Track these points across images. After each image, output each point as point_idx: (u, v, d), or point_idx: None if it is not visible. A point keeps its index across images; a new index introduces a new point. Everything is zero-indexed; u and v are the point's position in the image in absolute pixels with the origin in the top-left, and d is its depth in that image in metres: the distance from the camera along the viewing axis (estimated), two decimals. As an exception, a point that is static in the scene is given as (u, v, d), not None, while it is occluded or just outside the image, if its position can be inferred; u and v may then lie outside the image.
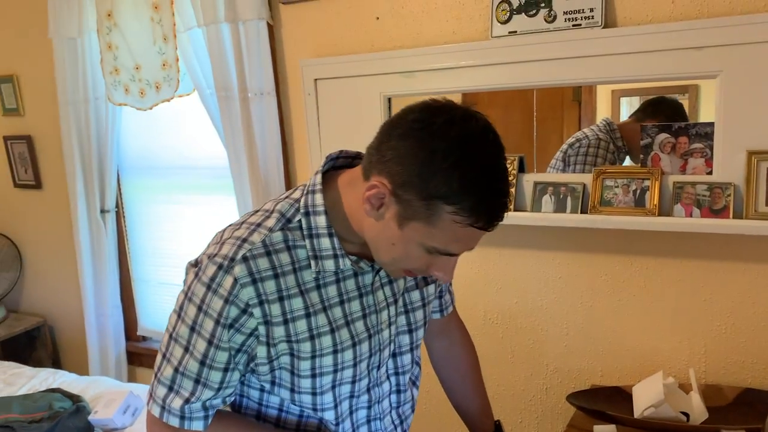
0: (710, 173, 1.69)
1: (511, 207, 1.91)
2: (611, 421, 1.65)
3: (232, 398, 1.03)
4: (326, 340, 0.97)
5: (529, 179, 1.92)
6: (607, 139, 1.91)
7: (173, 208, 2.80)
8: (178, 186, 2.76)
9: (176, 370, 0.96)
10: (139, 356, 3.00)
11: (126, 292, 2.98)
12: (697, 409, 1.63)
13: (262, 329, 0.93)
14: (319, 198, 0.96)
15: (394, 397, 1.13)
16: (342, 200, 0.97)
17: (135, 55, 2.46)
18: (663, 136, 1.75)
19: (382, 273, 1.03)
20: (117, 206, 2.88)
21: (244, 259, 0.92)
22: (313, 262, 0.95)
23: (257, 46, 2.21)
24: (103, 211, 2.82)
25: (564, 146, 1.96)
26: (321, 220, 0.95)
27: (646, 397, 1.67)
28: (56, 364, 3.25)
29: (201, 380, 0.95)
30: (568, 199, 1.84)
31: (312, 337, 0.96)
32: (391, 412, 1.13)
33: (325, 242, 0.95)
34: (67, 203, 2.91)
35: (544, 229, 1.94)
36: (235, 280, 0.91)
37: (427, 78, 1.96)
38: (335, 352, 0.98)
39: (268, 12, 2.20)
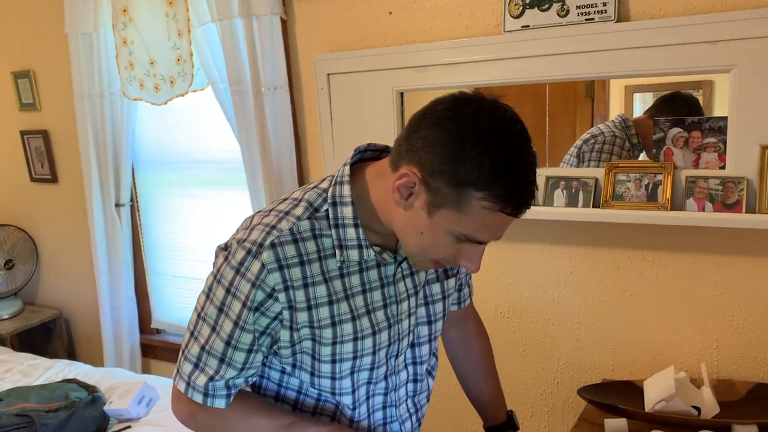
0: (723, 168, 1.68)
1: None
2: (622, 414, 1.65)
3: (254, 379, 1.05)
4: (347, 328, 0.99)
5: (541, 174, 1.92)
6: (622, 136, 1.91)
7: (187, 202, 2.82)
8: (192, 180, 2.78)
9: (203, 348, 0.99)
10: (153, 348, 3.04)
11: (140, 285, 3.01)
12: (708, 403, 1.63)
13: (286, 314, 0.96)
14: (346, 189, 0.98)
15: (411, 386, 1.14)
16: (369, 191, 0.98)
17: (150, 50, 2.48)
18: (676, 130, 1.75)
19: (404, 265, 1.05)
20: (131, 200, 2.91)
21: (272, 245, 0.94)
22: (338, 251, 0.97)
23: (271, 41, 2.22)
24: (117, 205, 2.85)
25: (578, 142, 1.96)
26: (348, 211, 0.97)
27: (658, 391, 1.67)
28: (71, 355, 3.29)
29: (225, 359, 0.98)
30: (580, 193, 1.84)
31: (334, 324, 0.98)
32: (407, 400, 1.15)
33: (351, 232, 0.97)
34: (82, 197, 2.95)
35: (555, 223, 1.94)
36: (263, 266, 0.93)
37: (439, 72, 1.96)
38: (355, 339, 1.00)
39: (282, 7, 2.21)
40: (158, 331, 3.08)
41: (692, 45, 1.63)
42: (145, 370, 3.06)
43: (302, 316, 0.97)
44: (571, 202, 1.85)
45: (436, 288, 1.12)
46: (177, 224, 2.89)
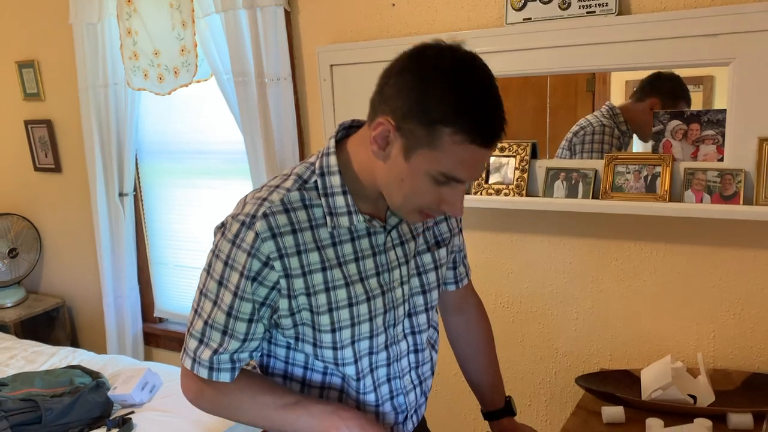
0: (721, 160, 1.70)
1: (519, 193, 1.94)
2: (619, 402, 1.67)
3: (258, 354, 1.08)
4: (341, 293, 1.03)
5: (541, 165, 1.94)
6: (611, 124, 1.93)
7: (190, 191, 2.85)
8: (195, 170, 2.80)
9: (206, 323, 1.03)
10: (155, 337, 3.07)
11: (143, 274, 3.04)
12: (704, 392, 1.65)
13: (283, 282, 1.00)
14: (333, 159, 1.03)
15: (412, 357, 1.17)
16: (353, 159, 1.03)
17: (154, 40, 2.50)
18: (675, 122, 1.77)
19: (393, 234, 1.09)
20: (135, 190, 2.94)
21: (264, 215, 0.98)
22: (328, 218, 1.02)
23: (274, 31, 2.24)
24: (121, 195, 2.87)
25: (569, 135, 1.98)
26: (335, 180, 1.02)
27: (654, 380, 1.70)
28: (74, 344, 3.32)
29: (228, 331, 1.02)
30: (580, 184, 1.86)
31: (328, 290, 1.02)
32: (410, 372, 1.17)
33: (340, 200, 1.02)
34: (86, 187, 2.97)
35: (555, 214, 1.96)
36: (257, 235, 0.97)
37: (441, 64, 1.97)
38: (351, 305, 1.04)
39: (286, -2, 2.23)
40: (161, 319, 3.11)
41: (692, 38, 1.65)
42: (148, 358, 3.09)
43: (298, 283, 1.00)
44: (571, 193, 1.87)
45: (427, 258, 1.14)
46: (180, 214, 2.91)
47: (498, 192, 1.98)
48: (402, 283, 1.11)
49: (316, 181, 1.03)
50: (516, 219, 2.05)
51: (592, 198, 1.84)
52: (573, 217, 1.95)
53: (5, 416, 1.95)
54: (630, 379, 1.82)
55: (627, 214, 1.81)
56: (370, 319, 1.07)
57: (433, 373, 1.24)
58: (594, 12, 1.77)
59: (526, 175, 1.94)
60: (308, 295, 1.01)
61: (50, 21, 2.94)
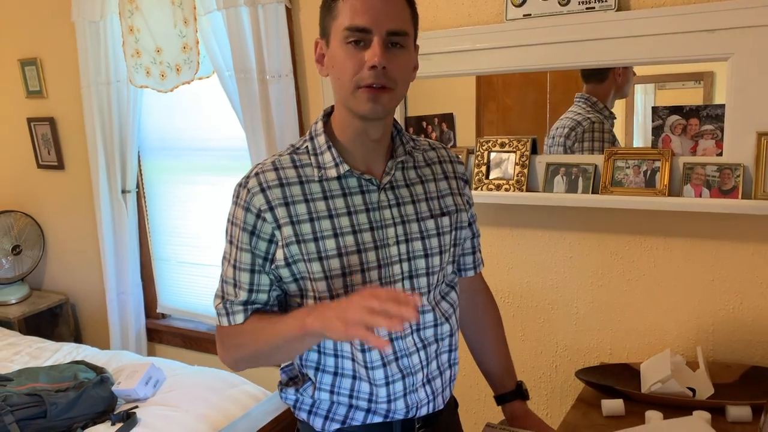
0: (720, 154, 1.71)
1: (520, 188, 1.95)
2: (619, 396, 1.69)
3: (269, 308, 1.17)
4: (330, 243, 1.11)
5: (541, 160, 1.95)
6: (598, 118, 1.94)
7: (193, 188, 2.86)
8: (198, 167, 2.82)
9: (223, 280, 1.17)
10: (158, 333, 3.08)
11: (146, 271, 3.05)
12: (703, 385, 1.67)
13: (276, 234, 1.11)
14: (319, 125, 1.17)
15: None
16: (333, 124, 1.16)
17: (156, 38, 2.51)
18: (674, 117, 1.78)
19: (389, 194, 1.16)
20: (137, 186, 2.95)
21: (256, 174, 1.13)
22: (316, 170, 1.13)
23: (276, 28, 2.25)
24: (123, 192, 2.89)
25: (560, 139, 1.99)
26: (321, 139, 1.15)
27: (654, 373, 1.71)
28: (78, 340, 3.34)
29: (236, 283, 1.15)
30: (580, 179, 1.87)
31: (316, 239, 1.11)
32: (412, 334, 1.19)
33: (327, 156, 1.13)
34: (88, 184, 2.99)
35: (555, 209, 1.98)
36: (248, 191, 1.12)
37: (442, 60, 1.99)
38: (340, 255, 1.11)
39: (287, -5, 2.24)
40: (164, 315, 3.13)
41: (691, 33, 1.66)
42: (151, 354, 3.11)
43: (287, 231, 1.10)
44: (571, 188, 1.89)
45: (430, 224, 1.20)
46: (182, 210, 2.92)
47: (498, 187, 1.99)
48: (398, 243, 1.16)
49: (306, 146, 1.16)
50: (516, 214, 2.06)
51: (592, 193, 1.86)
52: (573, 211, 1.96)
53: (11, 411, 1.97)
54: (630, 372, 1.83)
55: (627, 208, 1.83)
56: (362, 271, 1.13)
57: (437, 340, 1.24)
58: (593, 8, 1.78)
59: (526, 171, 1.96)
60: (298, 243, 1.10)
61: (53, 19, 2.95)
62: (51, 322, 3.33)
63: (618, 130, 1.97)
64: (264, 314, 1.17)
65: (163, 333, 3.07)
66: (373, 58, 1.02)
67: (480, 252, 1.42)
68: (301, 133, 2.36)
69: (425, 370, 1.22)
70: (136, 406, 2.15)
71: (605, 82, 1.92)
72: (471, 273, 1.40)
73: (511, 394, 1.45)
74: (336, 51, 1.06)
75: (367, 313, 0.94)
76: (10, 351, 2.66)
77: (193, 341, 2.97)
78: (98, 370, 2.28)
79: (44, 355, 2.63)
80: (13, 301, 3.23)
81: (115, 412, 2.11)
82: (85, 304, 3.34)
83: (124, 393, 2.19)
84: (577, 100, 1.97)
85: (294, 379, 1.26)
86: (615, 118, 1.95)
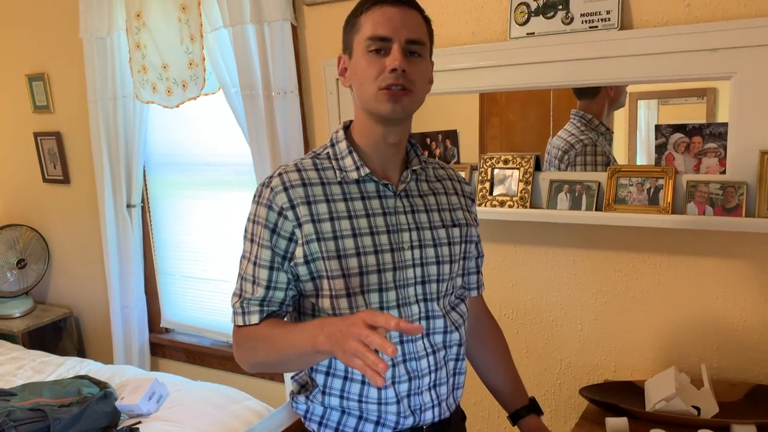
0: (723, 173, 1.72)
1: (523, 205, 1.95)
2: (623, 414, 1.68)
3: (287, 307, 1.20)
4: (349, 242, 1.15)
5: (545, 177, 1.96)
6: (591, 140, 1.95)
7: (197, 203, 2.88)
8: (202, 182, 2.83)
9: (242, 277, 1.20)
10: (161, 347, 3.09)
11: (150, 285, 3.06)
12: (708, 403, 1.66)
13: (297, 232, 1.14)
14: (340, 132, 1.23)
15: (423, 322, 1.22)
16: (353, 132, 1.22)
17: (163, 54, 2.54)
18: (677, 136, 1.79)
19: (405, 201, 1.22)
20: (142, 201, 2.97)
21: (279, 174, 1.17)
22: (337, 172, 1.18)
23: (281, 46, 2.27)
24: (129, 206, 2.90)
25: (555, 161, 2.00)
26: (343, 145, 1.20)
27: (658, 391, 1.70)
28: (81, 354, 3.34)
29: (255, 279, 1.18)
30: (583, 196, 1.88)
31: (335, 238, 1.15)
32: (423, 338, 1.22)
33: (348, 160, 1.19)
34: (94, 198, 3.00)
35: (559, 226, 1.98)
36: (271, 190, 1.16)
37: (446, 78, 2.00)
38: (358, 254, 1.15)
39: (293, 13, 2.26)
40: (167, 330, 3.13)
41: (694, 53, 1.67)
42: (154, 368, 3.11)
43: (307, 228, 1.14)
44: (575, 205, 1.89)
45: (442, 233, 1.24)
46: (187, 225, 2.94)
47: (502, 204, 2.00)
48: (412, 247, 1.20)
49: (327, 152, 1.21)
50: (520, 230, 2.06)
51: (596, 210, 1.86)
52: (576, 228, 1.96)
53: (14, 426, 1.97)
54: (634, 390, 1.82)
55: (630, 226, 1.83)
56: (379, 272, 1.16)
57: (446, 346, 1.26)
58: (596, 27, 1.80)
59: (529, 187, 1.96)
60: (318, 240, 1.14)
61: (60, 35, 2.98)
62: (55, 335, 3.33)
63: (621, 146, 1.98)
64: (278, 322, 1.18)
65: (166, 347, 3.08)
66: (394, 62, 1.10)
67: (482, 274, 1.44)
68: (306, 148, 2.38)
69: (432, 375, 1.24)
70: (140, 422, 2.15)
71: (597, 97, 1.95)
72: (474, 293, 1.42)
73: (524, 409, 1.45)
74: (359, 60, 1.13)
75: (362, 347, 0.92)
76: (13, 365, 2.67)
77: (197, 356, 2.97)
78: (102, 385, 2.29)
79: (48, 369, 2.64)
80: (17, 315, 3.24)
81: (118, 428, 2.11)
82: (89, 317, 3.34)
83: (127, 408, 2.18)
84: (573, 117, 1.99)
85: (304, 386, 1.27)
86: (612, 133, 1.96)
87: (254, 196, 1.19)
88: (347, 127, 1.25)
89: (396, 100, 1.12)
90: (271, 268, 1.16)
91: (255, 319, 1.18)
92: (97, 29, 2.70)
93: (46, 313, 3.31)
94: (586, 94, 1.96)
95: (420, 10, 1.17)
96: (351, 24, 1.16)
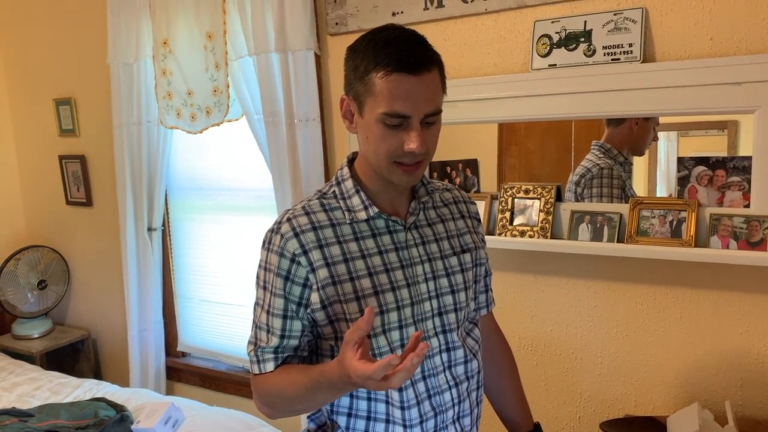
0: (748, 206, 1.71)
1: (544, 235, 1.95)
2: (645, 450, 1.65)
3: (300, 353, 1.18)
4: (365, 282, 1.13)
5: (566, 208, 1.96)
6: (608, 165, 1.96)
7: (217, 227, 2.90)
8: (223, 206, 2.86)
9: (256, 325, 1.19)
10: (177, 371, 3.08)
11: (168, 308, 3.07)
12: (732, 441, 1.63)
13: (311, 277, 1.12)
14: (345, 170, 1.20)
15: (445, 355, 1.21)
16: (357, 168, 1.20)
17: (188, 80, 2.58)
18: (700, 168, 1.78)
19: (414, 234, 1.20)
20: (163, 224, 2.99)
21: (288, 219, 1.15)
22: (346, 213, 1.16)
23: (305, 74, 2.30)
24: (150, 229, 2.93)
25: (571, 185, 2.00)
26: (349, 184, 1.18)
27: (681, 428, 1.67)
28: (97, 376, 3.35)
29: (269, 328, 1.16)
30: (605, 228, 1.87)
31: (352, 279, 1.13)
32: (444, 371, 1.20)
33: (356, 199, 1.17)
34: (116, 221, 3.04)
35: (580, 257, 1.97)
36: (282, 236, 1.14)
37: (468, 107, 2.02)
38: (376, 293, 1.14)
39: (316, 43, 2.30)
40: (183, 354, 3.13)
41: (717, 86, 1.67)
42: (169, 392, 3.10)
43: (322, 273, 1.12)
44: (596, 236, 1.88)
45: (453, 261, 1.24)
46: (206, 249, 2.96)
47: (522, 234, 1.99)
48: (426, 280, 1.19)
49: (334, 191, 1.19)
50: (540, 261, 2.05)
51: (617, 242, 1.85)
52: (598, 260, 1.95)
53: (31, 447, 1.98)
54: (656, 426, 1.79)
55: (652, 258, 1.82)
56: (398, 308, 1.15)
57: (469, 378, 1.25)
58: (619, 59, 1.81)
59: (550, 218, 1.96)
60: (334, 284, 1.12)
61: (88, 60, 3.05)
62: (72, 357, 3.35)
63: (641, 178, 1.98)
64: (293, 368, 1.16)
65: (182, 371, 3.07)
66: (412, 144, 1.06)
67: (492, 291, 1.44)
68: (327, 175, 2.40)
69: (456, 408, 1.22)
70: (155, 446, 2.14)
71: (620, 126, 1.96)
72: (484, 311, 1.41)
73: None
74: (372, 126, 1.08)
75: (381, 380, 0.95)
76: (31, 386, 2.68)
77: (212, 381, 2.96)
78: (118, 408, 2.29)
79: (65, 390, 2.64)
80: (36, 336, 3.27)
81: (133, 452, 2.10)
82: (107, 339, 3.36)
83: (143, 432, 2.18)
84: (593, 147, 2.00)
85: (323, 426, 1.25)
86: (631, 164, 1.96)
87: (264, 242, 1.17)
88: (352, 161, 1.22)
89: (410, 173, 1.11)
90: (284, 317, 1.15)
91: (270, 367, 1.17)
92: (125, 55, 2.76)
93: (64, 334, 3.33)
94: (613, 121, 1.97)
95: (435, 62, 1.08)
96: (361, 76, 1.07)
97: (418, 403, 1.17)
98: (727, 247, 1.70)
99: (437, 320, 1.20)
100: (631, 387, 1.97)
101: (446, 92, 1.15)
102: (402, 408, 1.16)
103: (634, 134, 1.95)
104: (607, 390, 2.01)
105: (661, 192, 1.94)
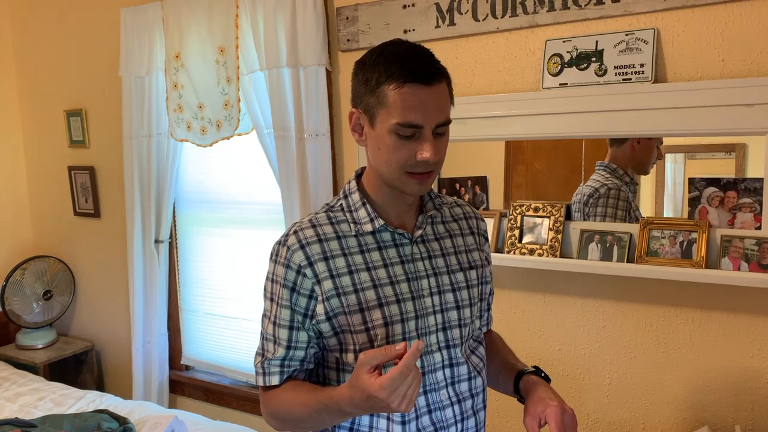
0: (759, 228, 1.70)
1: (553, 254, 1.94)
2: (654, 473, 1.63)
3: (308, 365, 1.19)
4: (370, 294, 1.14)
5: (575, 227, 1.95)
6: (615, 185, 1.95)
7: (224, 241, 2.90)
8: (230, 220, 2.86)
9: (263, 336, 1.20)
10: (181, 385, 3.07)
11: (173, 321, 3.06)
12: (743, 466, 1.61)
13: (317, 288, 1.13)
14: (353, 184, 1.22)
15: (447, 371, 1.20)
16: (364, 182, 1.21)
17: (199, 94, 2.60)
18: (711, 189, 1.78)
19: (421, 247, 1.20)
20: (170, 237, 2.99)
21: (294, 232, 1.17)
22: (352, 225, 1.17)
23: (315, 90, 2.32)
24: (157, 241, 2.93)
25: (579, 205, 2.00)
26: (356, 197, 1.20)
27: (691, 451, 1.65)
28: (100, 388, 3.33)
29: (275, 339, 1.17)
30: (615, 247, 1.86)
31: (356, 291, 1.14)
32: (446, 387, 1.20)
33: (362, 212, 1.18)
34: (123, 232, 3.04)
35: (589, 276, 1.96)
36: (288, 248, 1.15)
37: (478, 125, 2.02)
38: (381, 305, 1.14)
39: (328, 59, 2.32)
40: (187, 367, 3.12)
41: (728, 107, 1.67)
42: (172, 405, 3.09)
43: (327, 284, 1.13)
44: (606, 256, 1.87)
45: (460, 276, 1.23)
46: (213, 262, 2.95)
47: (531, 252, 1.98)
48: (432, 294, 1.19)
49: (341, 204, 1.21)
50: (549, 280, 2.04)
51: (627, 262, 1.84)
52: (607, 280, 1.94)
53: (33, 458, 1.96)
54: (665, 449, 1.77)
55: (662, 279, 1.80)
56: (402, 321, 1.15)
57: (473, 395, 1.23)
58: (630, 79, 1.81)
59: (560, 236, 1.95)
60: (338, 296, 1.13)
61: (100, 72, 3.08)
62: (75, 368, 3.33)
63: (648, 199, 1.97)
64: (302, 387, 1.17)
65: (185, 385, 3.06)
66: (426, 153, 1.07)
67: (491, 310, 1.43)
68: (335, 190, 2.40)
69: (459, 426, 1.21)
70: (157, 460, 2.13)
71: (623, 146, 1.97)
72: (485, 329, 1.40)
73: (522, 372, 1.27)
74: (384, 138, 1.09)
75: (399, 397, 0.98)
76: (34, 396, 2.67)
77: (216, 395, 2.95)
78: (121, 421, 2.27)
79: (68, 402, 2.63)
80: (40, 346, 3.26)
81: (135, 465, 2.09)
82: (110, 351, 3.35)
83: (145, 445, 2.16)
84: (598, 168, 1.99)
85: None
86: (637, 184, 1.96)
87: (271, 255, 1.19)
88: (360, 175, 1.24)
89: (423, 182, 1.12)
90: (291, 328, 1.16)
91: (275, 380, 1.17)
92: (137, 68, 2.78)
93: (68, 345, 3.32)
94: (615, 141, 1.98)
95: (444, 74, 1.10)
96: (373, 88, 1.08)
97: (417, 417, 1.17)
98: (738, 269, 1.69)
99: (441, 335, 1.19)
100: (640, 409, 1.95)
101: (453, 103, 1.16)
102: (402, 422, 1.16)
103: (636, 153, 1.95)
104: (614, 412, 1.99)
105: (668, 213, 1.93)
